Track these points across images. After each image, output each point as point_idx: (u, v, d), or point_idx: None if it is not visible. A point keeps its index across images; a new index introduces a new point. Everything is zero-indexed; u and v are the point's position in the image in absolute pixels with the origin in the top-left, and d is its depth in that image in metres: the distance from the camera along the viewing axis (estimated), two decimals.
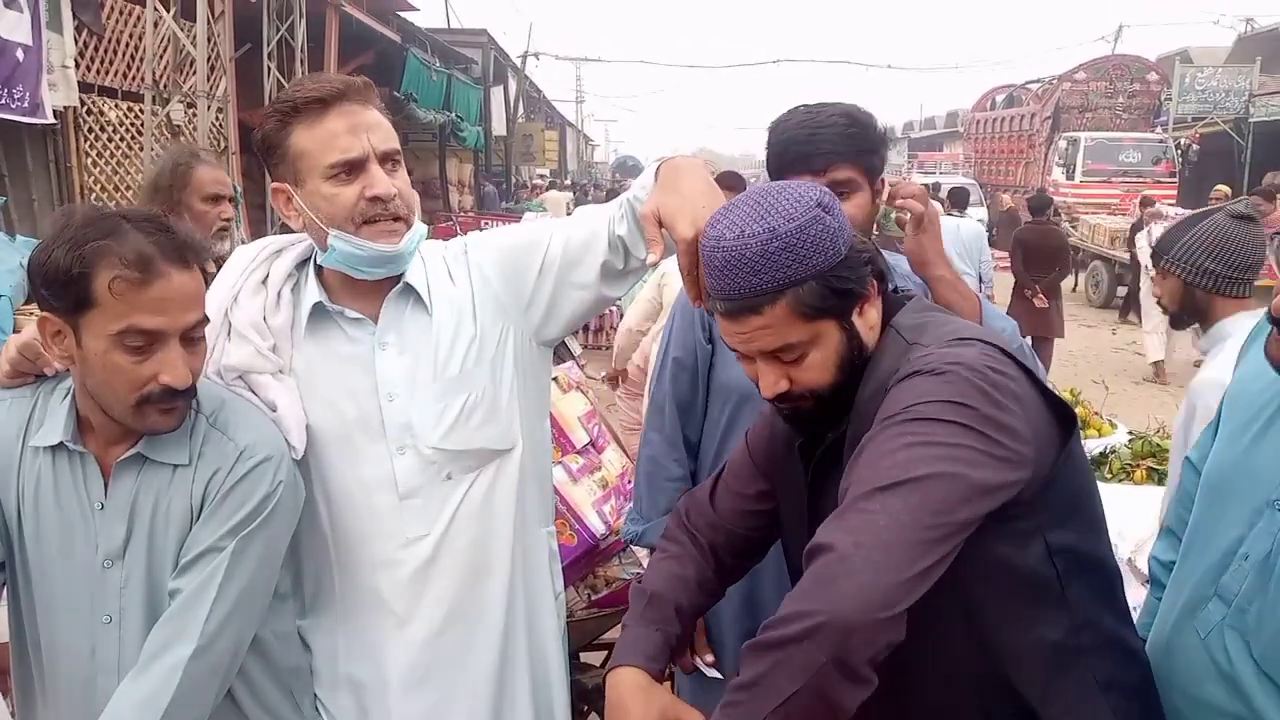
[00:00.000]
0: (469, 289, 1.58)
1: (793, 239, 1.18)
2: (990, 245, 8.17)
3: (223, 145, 9.47)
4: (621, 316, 4.93)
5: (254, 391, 1.50)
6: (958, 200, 9.36)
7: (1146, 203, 12.15)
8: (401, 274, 1.54)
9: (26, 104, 7.30)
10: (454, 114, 17.73)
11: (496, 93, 22.58)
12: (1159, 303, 2.38)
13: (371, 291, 1.54)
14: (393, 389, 1.51)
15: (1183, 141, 20.03)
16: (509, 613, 1.61)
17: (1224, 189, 9.91)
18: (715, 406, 1.93)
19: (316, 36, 11.61)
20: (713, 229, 1.23)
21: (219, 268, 1.64)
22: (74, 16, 7.99)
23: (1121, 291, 13.11)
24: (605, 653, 2.72)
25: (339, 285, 1.55)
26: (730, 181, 4.52)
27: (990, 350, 1.20)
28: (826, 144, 1.69)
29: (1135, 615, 1.41)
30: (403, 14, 15.23)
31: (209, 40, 8.69)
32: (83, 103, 8.30)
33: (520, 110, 26.67)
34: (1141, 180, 18.03)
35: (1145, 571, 1.71)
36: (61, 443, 1.38)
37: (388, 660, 1.55)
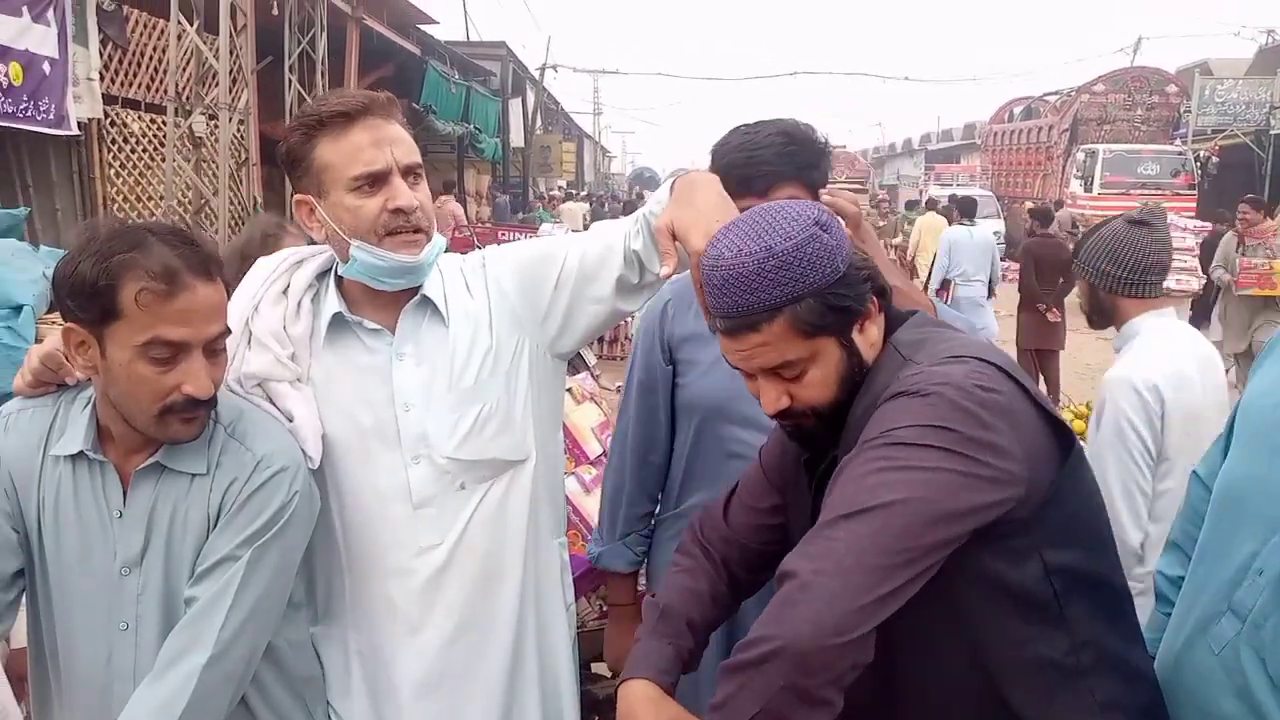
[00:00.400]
0: (486, 301, 1.60)
1: (789, 257, 1.19)
2: (1009, 257, 8.15)
3: (243, 156, 9.58)
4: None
5: (272, 400, 1.52)
6: (966, 209, 9.46)
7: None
8: (420, 286, 1.56)
9: (52, 116, 7.41)
10: (472, 125, 17.86)
11: (515, 104, 22.72)
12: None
13: (390, 303, 1.56)
14: (409, 399, 1.53)
15: (1202, 154, 19.89)
16: (520, 623, 1.62)
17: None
18: (681, 426, 1.92)
19: (337, 49, 11.73)
20: (712, 248, 1.25)
21: None
22: (99, 30, 8.12)
23: None
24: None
25: (358, 296, 1.57)
26: None
27: (983, 367, 1.19)
28: (766, 165, 1.71)
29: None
30: (423, 27, 15.37)
31: (231, 53, 8.80)
32: (106, 114, 8.43)
33: (538, 122, 26.82)
34: (1160, 193, 17.92)
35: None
36: (82, 451, 1.40)
37: (399, 668, 1.56)
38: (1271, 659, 1.18)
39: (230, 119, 8.83)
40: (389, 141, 1.48)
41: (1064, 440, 1.22)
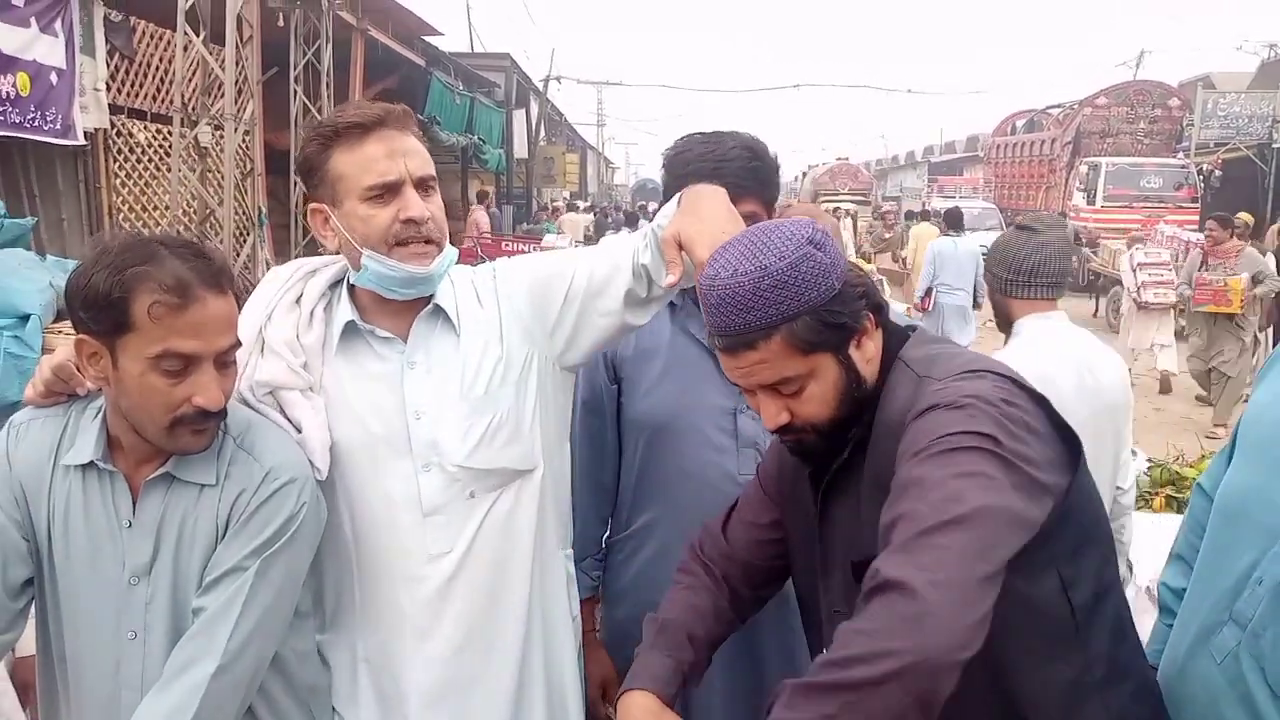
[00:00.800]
0: (496, 312, 1.62)
1: (784, 276, 1.20)
2: None
3: (248, 167, 9.61)
4: None
5: (282, 409, 1.53)
6: (953, 221, 9.68)
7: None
8: (432, 295, 1.57)
9: (59, 125, 7.45)
10: (476, 136, 17.91)
11: (519, 116, 22.80)
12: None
13: (402, 312, 1.57)
14: (420, 407, 1.54)
15: (1205, 167, 19.90)
16: (527, 631, 1.63)
17: (1245, 217, 9.86)
18: (629, 445, 1.90)
19: (342, 61, 11.79)
20: (709, 267, 1.26)
21: None
22: (106, 41, 8.17)
23: None
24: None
25: (371, 305, 1.58)
26: None
27: (1002, 382, 1.21)
28: (732, 178, 1.70)
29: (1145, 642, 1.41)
30: (427, 38, 15.42)
31: (237, 64, 8.83)
32: (113, 125, 8.48)
33: (542, 133, 26.90)
34: (1163, 206, 17.93)
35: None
36: (92, 461, 1.41)
37: (407, 675, 1.57)
38: (1271, 668, 1.19)
39: (236, 129, 8.86)
40: (402, 153, 1.50)
41: (1074, 449, 1.23)
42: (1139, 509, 3.26)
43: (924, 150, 48.50)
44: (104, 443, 1.41)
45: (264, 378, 1.52)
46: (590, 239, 16.07)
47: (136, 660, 1.42)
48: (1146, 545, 2.69)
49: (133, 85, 8.94)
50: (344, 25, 11.63)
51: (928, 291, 8.77)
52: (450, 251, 1.58)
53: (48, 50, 7.21)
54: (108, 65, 8.23)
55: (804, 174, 37.73)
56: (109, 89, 8.29)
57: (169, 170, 8.97)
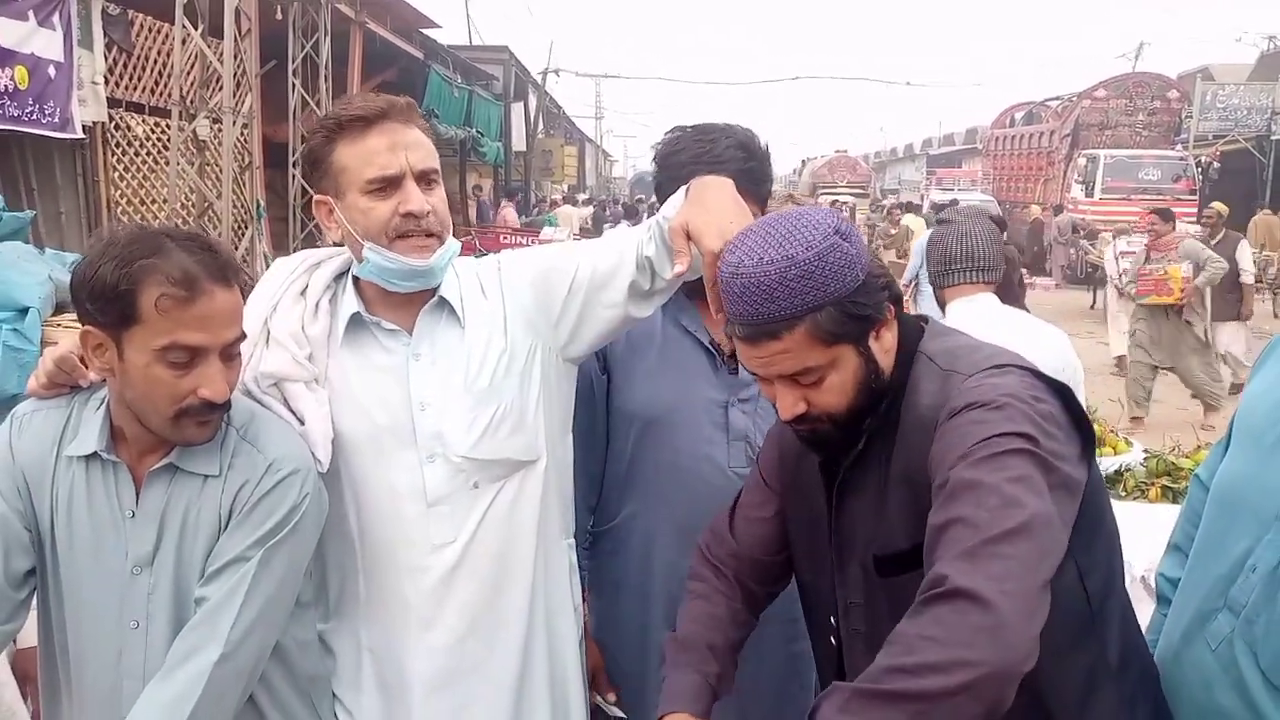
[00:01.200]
0: (501, 304, 1.63)
1: (811, 266, 1.19)
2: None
3: (247, 160, 9.61)
4: None
5: (286, 401, 1.54)
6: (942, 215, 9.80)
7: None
8: (436, 287, 1.58)
9: (57, 119, 7.45)
10: (475, 129, 17.89)
11: (517, 108, 22.75)
12: None
13: (407, 304, 1.58)
14: (425, 399, 1.55)
15: (1203, 159, 19.91)
16: (530, 620, 1.64)
17: (1219, 207, 9.77)
18: (619, 436, 1.89)
19: (340, 54, 11.77)
20: (731, 255, 1.25)
21: None
22: (104, 34, 8.16)
23: None
24: None
25: (375, 297, 1.59)
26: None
27: (1026, 376, 1.22)
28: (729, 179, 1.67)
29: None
30: (425, 31, 15.40)
31: (235, 57, 8.82)
32: (111, 118, 8.47)
33: (540, 126, 26.86)
34: (1161, 198, 17.89)
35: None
36: (95, 452, 1.41)
37: (410, 664, 1.58)
38: (1264, 654, 1.21)
39: (234, 123, 8.85)
40: (404, 146, 1.51)
41: (1089, 439, 1.24)
42: (1135, 499, 3.27)
43: (922, 143, 48.45)
44: (107, 434, 1.42)
45: (268, 369, 1.52)
46: (587, 232, 16.07)
47: (139, 650, 1.43)
48: (1142, 536, 2.70)
49: (131, 78, 8.92)
50: (342, 18, 11.61)
51: (912, 282, 8.83)
52: (452, 244, 1.58)
53: (46, 43, 7.19)
54: (106, 58, 8.22)
55: (802, 165, 37.67)
56: (107, 82, 8.27)
57: (167, 164, 8.96)
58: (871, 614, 1.33)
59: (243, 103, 9.04)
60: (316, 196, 1.58)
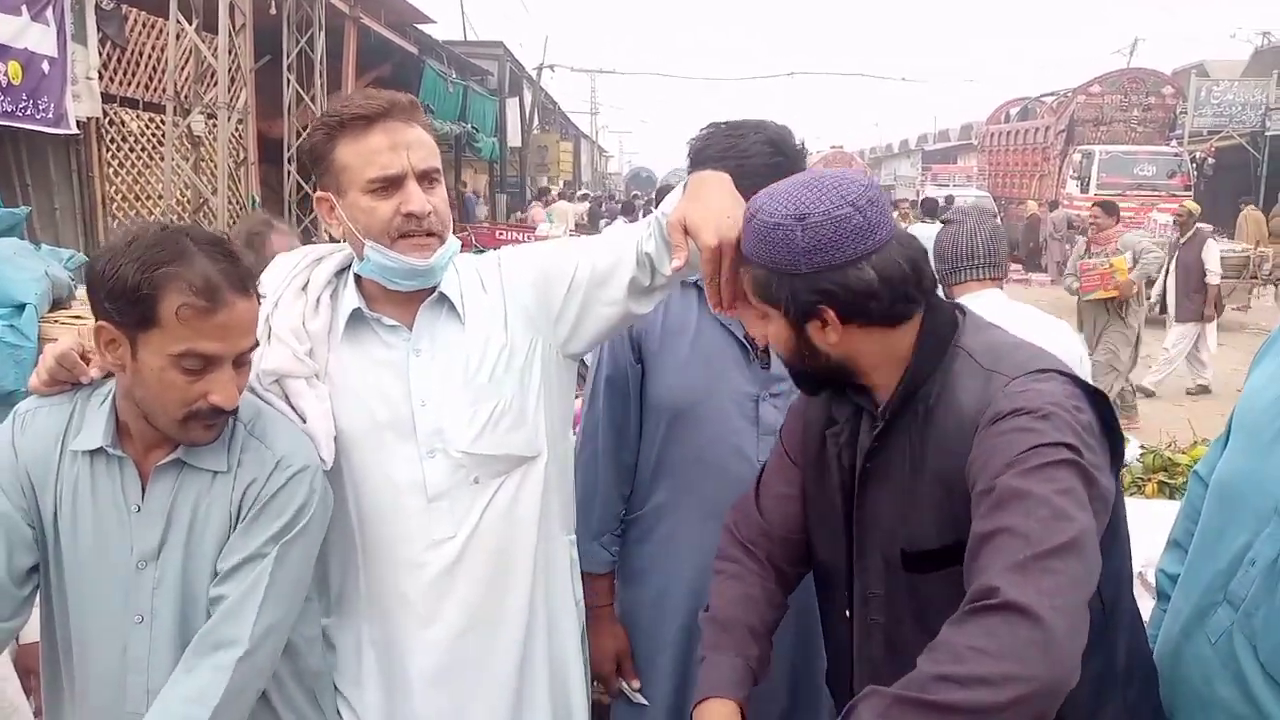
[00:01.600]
0: (501, 300, 1.63)
1: (776, 231, 1.26)
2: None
3: (242, 156, 9.59)
4: None
5: (288, 398, 1.54)
6: (928, 209, 10.16)
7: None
8: (435, 284, 1.59)
9: (51, 114, 7.41)
10: (470, 125, 17.85)
11: (512, 104, 22.70)
12: None
13: (407, 300, 1.59)
14: (425, 394, 1.56)
15: (1198, 155, 19.94)
16: (530, 616, 1.64)
17: (1190, 205, 9.73)
18: (650, 425, 1.91)
19: (335, 49, 11.73)
20: (759, 196, 1.32)
21: None
22: (98, 29, 8.12)
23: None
24: None
25: (376, 293, 1.60)
26: None
27: (1068, 384, 1.23)
28: (755, 176, 1.65)
29: None
30: (420, 26, 15.35)
31: (230, 52, 8.80)
32: (105, 113, 8.42)
33: (535, 122, 26.81)
34: (1156, 194, 17.96)
35: (1154, 585, 1.73)
36: (101, 447, 1.42)
37: (411, 659, 1.59)
38: (1263, 647, 1.22)
39: (229, 118, 8.83)
40: (406, 145, 1.51)
41: (1119, 451, 1.25)
42: (1131, 495, 3.29)
43: (918, 138, 48.45)
44: (113, 429, 1.43)
45: (270, 366, 1.53)
46: (583, 228, 16.06)
47: (143, 643, 1.43)
48: (1139, 532, 2.71)
49: (125, 74, 8.88)
50: (336, 13, 11.58)
51: None
52: (453, 242, 1.59)
53: (39, 39, 7.16)
54: (100, 54, 8.18)
55: None
56: (101, 78, 8.23)
57: (162, 159, 8.93)
58: (891, 606, 1.34)
59: (237, 98, 9.02)
60: (318, 193, 1.58)
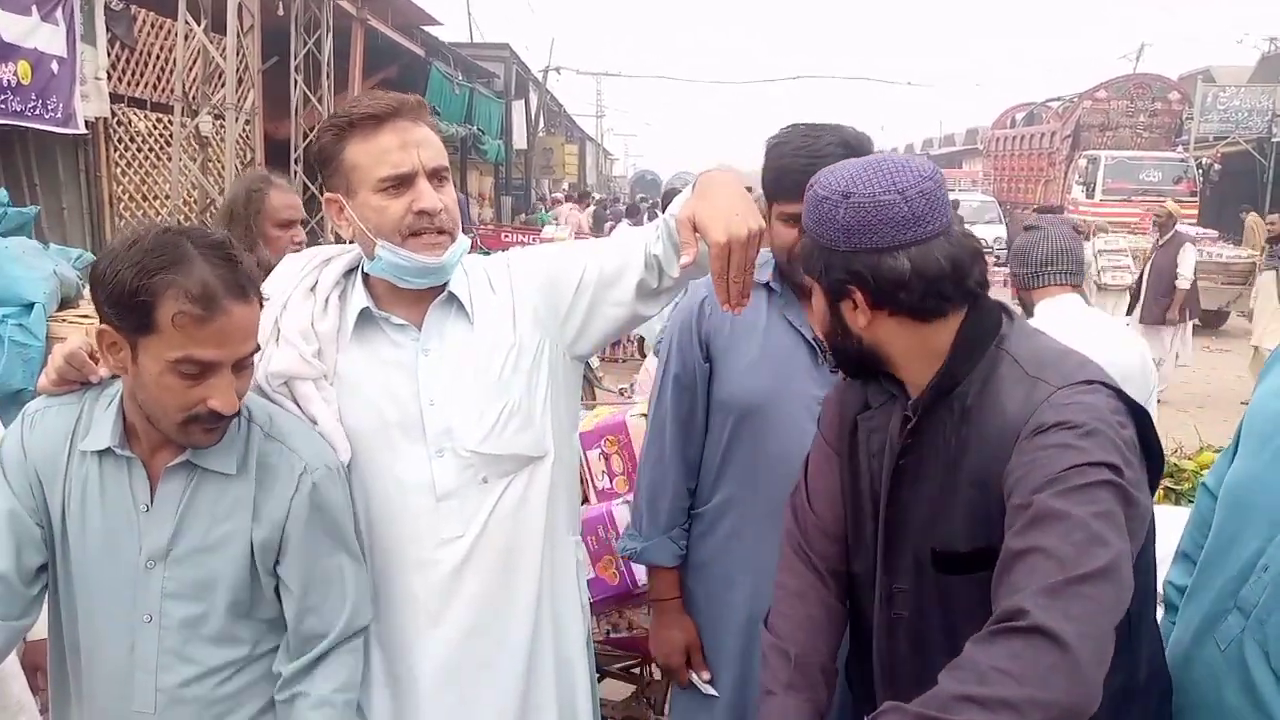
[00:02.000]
0: (510, 301, 1.64)
1: (830, 208, 1.28)
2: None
3: (249, 156, 9.60)
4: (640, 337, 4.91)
5: (296, 401, 1.55)
6: None
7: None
8: (445, 283, 1.59)
9: (60, 114, 7.44)
10: (475, 127, 17.89)
11: (518, 106, 22.74)
12: None
13: (416, 300, 1.59)
14: (434, 394, 1.57)
15: (1204, 161, 19.90)
16: (537, 616, 1.65)
17: (1171, 207, 9.74)
18: (715, 423, 1.92)
19: (342, 50, 11.76)
20: (820, 174, 1.34)
21: None
22: (107, 29, 8.15)
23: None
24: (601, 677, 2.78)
25: (385, 293, 1.60)
26: None
27: (1114, 399, 1.22)
28: None
29: None
30: (427, 28, 15.39)
31: (237, 53, 8.82)
32: (113, 114, 8.45)
33: (541, 124, 26.85)
34: (1161, 199, 17.92)
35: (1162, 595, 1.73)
36: (109, 447, 1.42)
37: (419, 658, 1.59)
38: (1275, 653, 1.21)
39: (236, 119, 8.85)
40: (416, 144, 1.52)
41: (1159, 468, 1.25)
42: None
43: (923, 143, 48.44)
44: (120, 429, 1.43)
45: (278, 368, 1.53)
46: (581, 231, 16.09)
47: (151, 642, 1.44)
48: None
49: (133, 74, 8.92)
50: (344, 14, 11.61)
51: None
52: (463, 241, 1.60)
53: (49, 38, 7.19)
54: (109, 54, 8.22)
55: None
56: (110, 78, 8.27)
57: (169, 159, 8.96)
58: (918, 604, 1.33)
59: (245, 99, 9.03)
60: (326, 195, 1.58)
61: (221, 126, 9.03)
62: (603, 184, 46.43)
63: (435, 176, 1.54)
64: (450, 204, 1.56)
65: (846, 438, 1.46)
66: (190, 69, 8.91)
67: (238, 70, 8.86)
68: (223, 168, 9.01)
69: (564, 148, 29.19)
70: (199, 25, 8.60)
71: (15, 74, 6.87)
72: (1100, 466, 1.12)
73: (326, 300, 1.60)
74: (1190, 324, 9.11)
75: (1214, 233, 16.15)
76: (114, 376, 1.47)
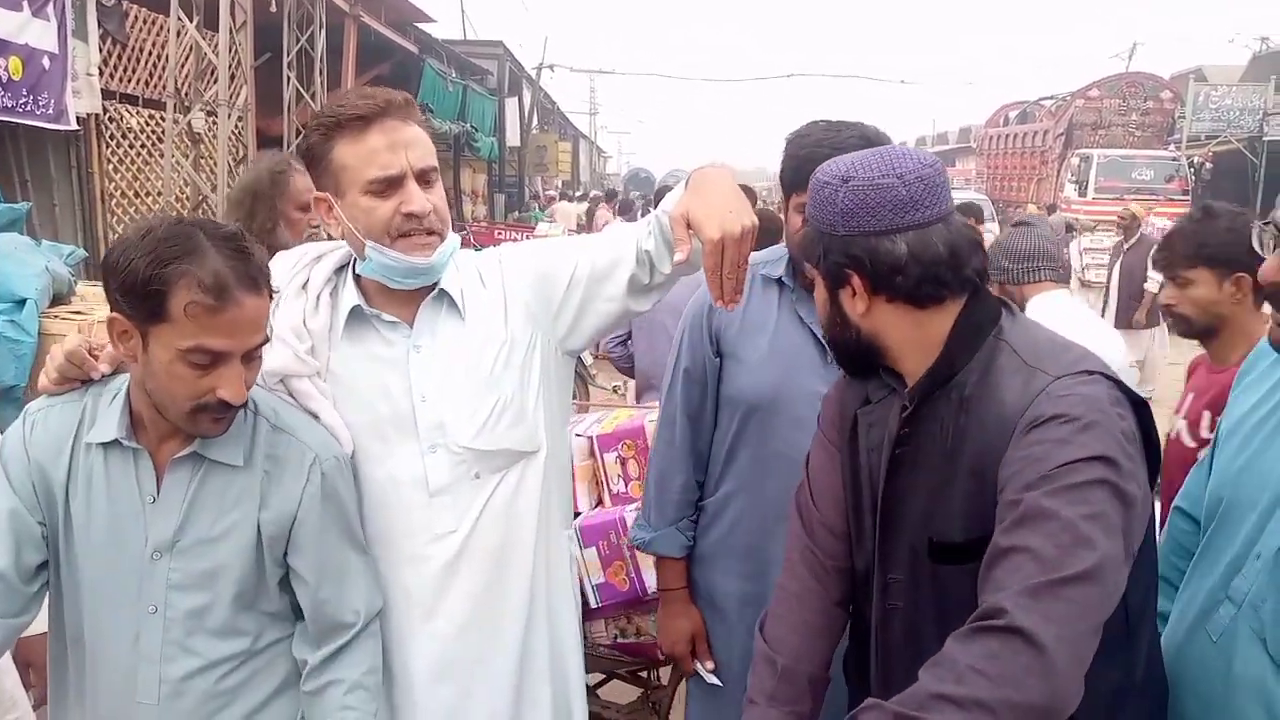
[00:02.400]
0: (501, 296, 1.64)
1: (832, 194, 1.29)
2: None
3: (241, 153, 9.58)
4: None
5: (294, 398, 1.56)
6: None
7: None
8: (436, 282, 1.60)
9: (51, 110, 7.40)
10: (469, 124, 17.84)
11: (511, 104, 22.69)
12: None
13: (408, 297, 1.60)
14: (426, 390, 1.57)
15: (1196, 160, 19.97)
16: (530, 610, 1.65)
17: (1135, 209, 9.73)
18: (724, 418, 1.94)
19: (335, 46, 11.73)
20: (827, 164, 1.35)
21: None
22: (99, 25, 8.10)
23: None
24: (606, 679, 2.80)
25: (376, 290, 1.61)
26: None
27: (1114, 389, 1.21)
28: None
29: None
30: (420, 25, 15.35)
31: (230, 49, 8.79)
32: (105, 110, 8.41)
33: (534, 121, 26.80)
34: (1154, 198, 17.97)
35: None
36: (115, 439, 1.43)
37: (413, 653, 1.60)
38: (1272, 638, 1.21)
39: (229, 115, 8.82)
40: (404, 145, 1.52)
41: (1156, 461, 1.24)
42: None
43: (916, 141, 48.47)
44: (127, 421, 1.44)
45: (272, 367, 1.54)
46: (581, 228, 16.10)
47: (156, 633, 1.45)
48: None
49: (125, 70, 8.88)
50: (337, 11, 11.57)
51: None
52: (453, 240, 1.60)
53: (40, 34, 7.15)
54: (100, 50, 8.17)
55: None
56: (101, 74, 8.22)
57: (162, 156, 8.93)
58: (912, 595, 1.33)
59: (237, 95, 9.01)
60: (315, 193, 1.58)
61: (214, 123, 9.00)
62: (596, 181, 46.38)
63: (424, 177, 1.54)
64: (439, 204, 1.56)
65: (847, 433, 1.46)
66: (183, 65, 8.88)
67: (230, 66, 8.83)
68: (215, 164, 8.99)
69: (557, 145, 29.12)
70: (191, 21, 8.58)
71: (6, 70, 6.84)
72: (1095, 463, 1.12)
73: (318, 298, 1.60)
74: (1165, 324, 9.11)
75: (1156, 232, 16.21)
76: (115, 372, 1.48)
